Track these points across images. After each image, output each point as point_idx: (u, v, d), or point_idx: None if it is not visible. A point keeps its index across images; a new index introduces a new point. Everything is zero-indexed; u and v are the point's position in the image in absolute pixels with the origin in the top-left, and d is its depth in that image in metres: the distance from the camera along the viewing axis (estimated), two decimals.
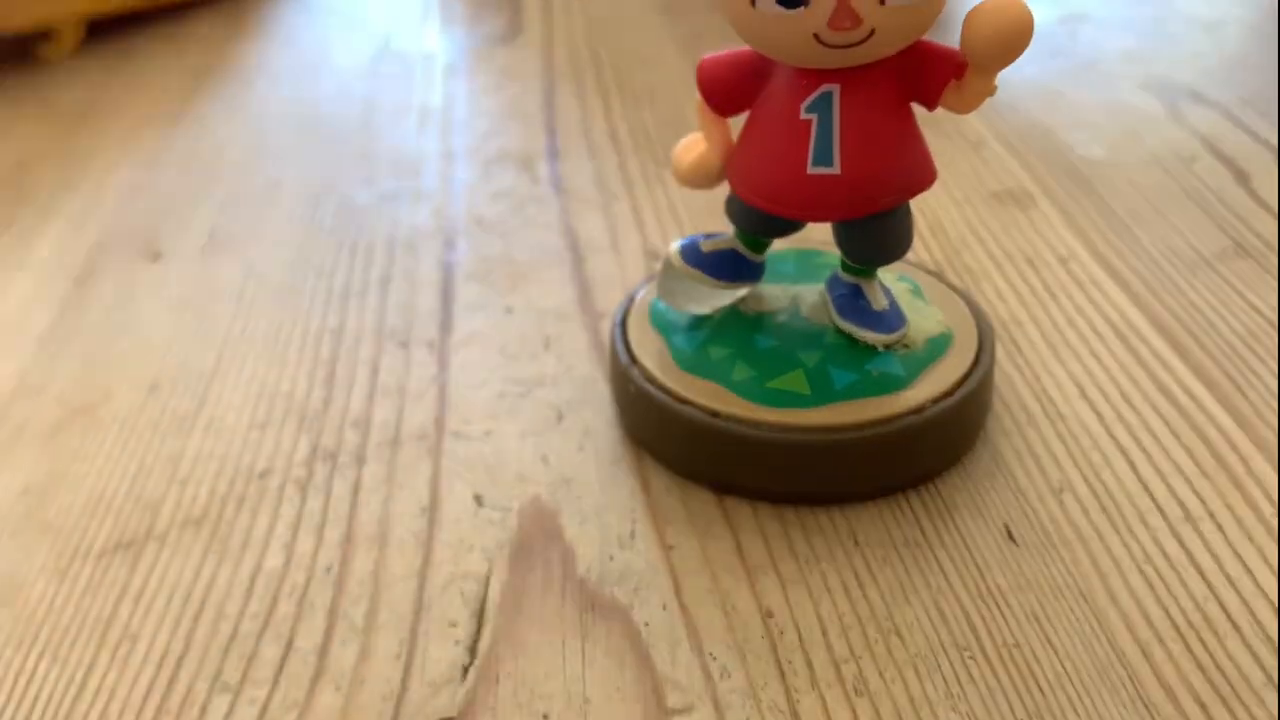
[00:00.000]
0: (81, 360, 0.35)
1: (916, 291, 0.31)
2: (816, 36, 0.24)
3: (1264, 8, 0.56)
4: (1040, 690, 0.23)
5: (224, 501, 0.29)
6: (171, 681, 0.24)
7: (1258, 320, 0.33)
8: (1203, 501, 0.27)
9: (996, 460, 0.29)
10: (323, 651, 0.25)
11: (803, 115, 0.26)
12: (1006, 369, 0.32)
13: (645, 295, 0.32)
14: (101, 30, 0.59)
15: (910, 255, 0.37)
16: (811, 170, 0.26)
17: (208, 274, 0.39)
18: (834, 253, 0.32)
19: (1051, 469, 0.28)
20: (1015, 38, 0.24)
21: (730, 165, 0.28)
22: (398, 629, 0.25)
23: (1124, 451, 0.29)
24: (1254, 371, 0.31)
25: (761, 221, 0.28)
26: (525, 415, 0.31)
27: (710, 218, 0.40)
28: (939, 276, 0.32)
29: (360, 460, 0.30)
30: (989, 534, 0.27)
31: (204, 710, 0.24)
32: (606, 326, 0.35)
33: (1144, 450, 0.29)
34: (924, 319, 0.29)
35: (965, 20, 0.25)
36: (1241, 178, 0.41)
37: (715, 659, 0.24)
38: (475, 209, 0.42)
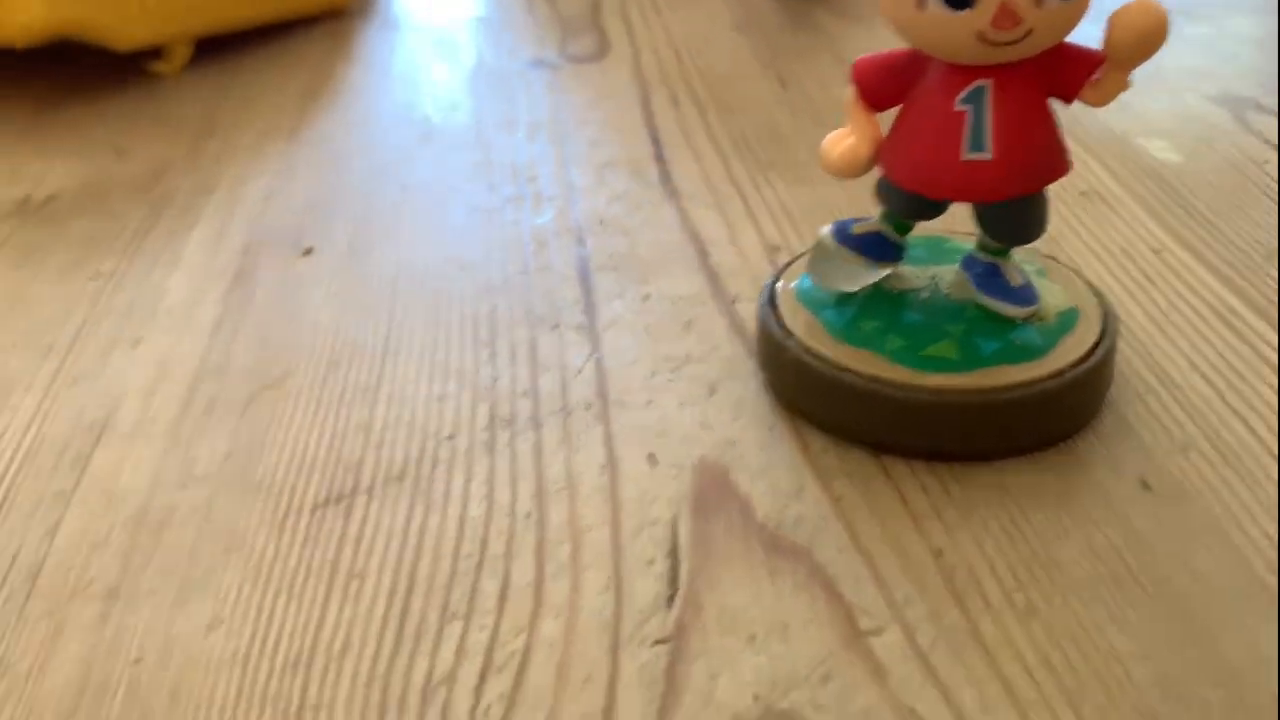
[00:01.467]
0: (257, 343, 0.37)
1: (1040, 273, 0.34)
2: (980, 35, 0.27)
3: None
4: (1193, 616, 0.26)
5: (419, 461, 0.32)
6: (404, 613, 0.27)
7: None
8: None
9: (1122, 423, 0.32)
10: (538, 585, 0.27)
11: (957, 107, 0.29)
12: (1122, 347, 0.35)
13: (788, 276, 0.35)
14: (209, 48, 0.62)
15: None
16: (966, 156, 0.29)
17: (360, 267, 0.42)
18: (958, 240, 0.35)
19: (1175, 430, 0.31)
20: (1155, 36, 0.27)
21: (885, 154, 0.31)
22: (602, 566, 0.28)
23: (1240, 416, 0.32)
24: None
25: (912, 204, 0.31)
26: (680, 388, 0.34)
27: (819, 213, 0.43)
28: (1056, 259, 0.35)
29: (537, 426, 0.33)
30: (1126, 485, 0.29)
31: (439, 636, 0.26)
32: (742, 310, 0.37)
33: (1259, 415, 0.32)
34: (1052, 296, 0.32)
35: (1110, 20, 0.28)
36: None
37: (897, 591, 0.27)
38: (596, 210, 0.45)
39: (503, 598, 0.27)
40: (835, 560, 0.28)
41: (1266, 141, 0.47)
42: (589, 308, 0.38)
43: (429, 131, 0.53)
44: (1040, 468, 0.30)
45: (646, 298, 0.39)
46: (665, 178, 0.47)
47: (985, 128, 0.29)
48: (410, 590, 0.28)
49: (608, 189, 0.46)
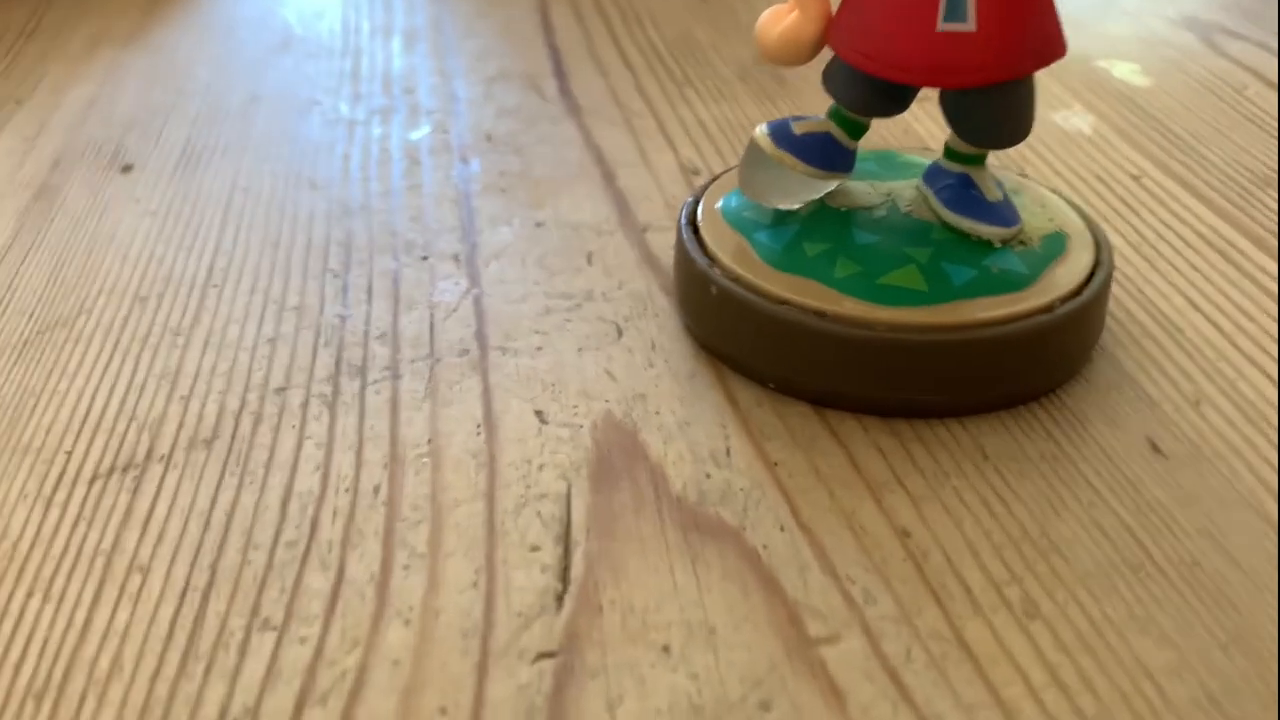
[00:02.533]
0: (49, 273, 0.30)
1: (1014, 191, 0.28)
2: None
3: None
4: (1236, 609, 0.20)
5: (236, 420, 0.25)
6: (198, 619, 0.20)
7: None
8: None
9: (1119, 372, 0.26)
10: (382, 581, 0.21)
11: None
12: None
13: (711, 194, 0.28)
14: None
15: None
16: (943, 26, 0.23)
17: (188, 186, 0.34)
18: (909, 153, 0.29)
19: (1182, 380, 0.25)
20: None
21: (836, 29, 0.24)
22: (470, 555, 0.21)
23: (1255, 363, 0.26)
24: None
25: (870, 95, 0.25)
26: (579, 330, 0.27)
27: (744, 134, 0.36)
28: (1029, 177, 0.29)
29: (394, 375, 0.26)
30: (1132, 446, 0.24)
31: (243, 651, 0.19)
32: (655, 240, 0.31)
33: (1276, 360, 0.26)
34: (1033, 217, 0.26)
35: None
36: None
37: (855, 583, 0.20)
38: (483, 125, 0.38)
39: (334, 598, 0.20)
40: (774, 542, 0.21)
41: (1243, 66, 0.42)
42: (469, 235, 0.31)
43: (288, 39, 0.45)
44: (1024, 425, 0.24)
45: (540, 224, 0.32)
46: (565, 93, 0.40)
47: None
48: (210, 589, 0.21)
49: (496, 103, 0.39)
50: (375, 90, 0.40)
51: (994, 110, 0.24)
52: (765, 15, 0.26)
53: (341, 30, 0.46)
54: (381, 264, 0.30)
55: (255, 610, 0.20)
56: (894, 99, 0.25)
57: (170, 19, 0.47)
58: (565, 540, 0.21)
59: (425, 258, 0.30)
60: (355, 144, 0.36)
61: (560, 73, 0.42)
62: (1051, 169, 0.35)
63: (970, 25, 0.23)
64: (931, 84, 0.24)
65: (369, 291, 0.29)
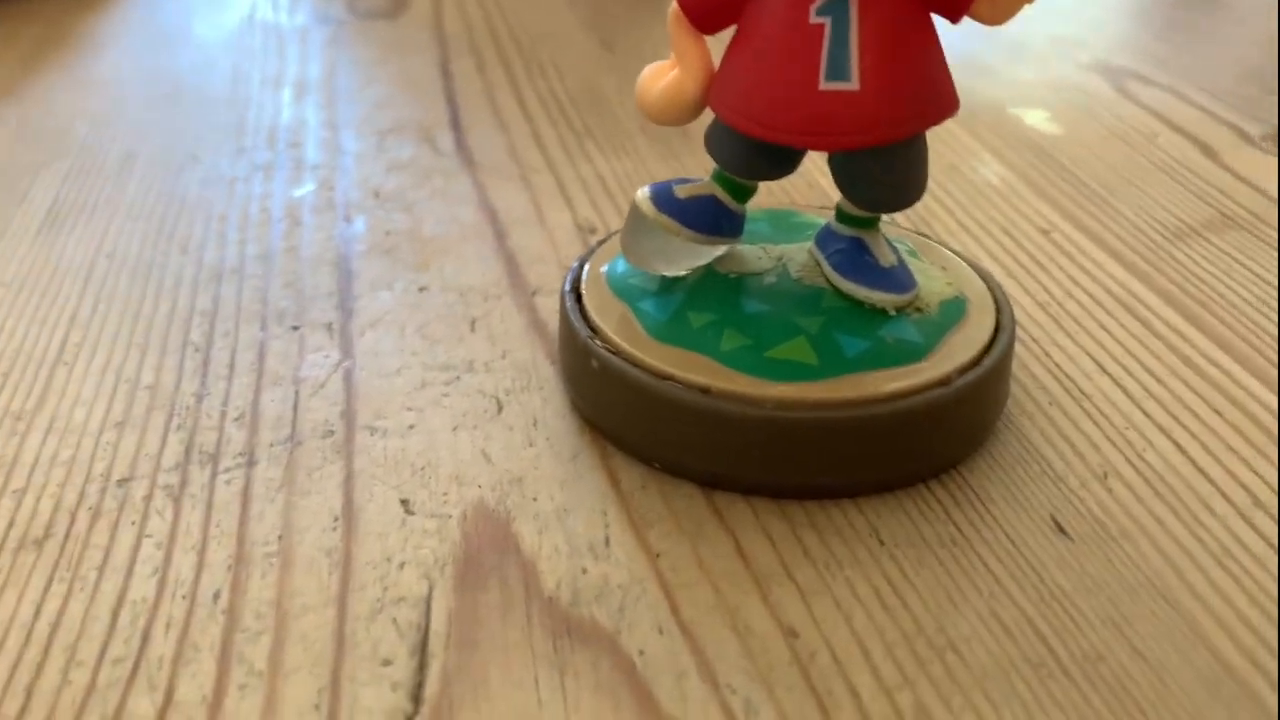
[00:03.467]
0: None
1: (913, 253, 0.26)
2: None
3: None
4: (1143, 713, 0.18)
5: (73, 516, 0.22)
6: None
7: (1268, 290, 0.30)
8: (1267, 484, 0.23)
9: (1024, 444, 0.24)
10: (214, 705, 0.19)
11: (813, 19, 0.21)
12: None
13: (598, 260, 0.26)
14: None
15: (886, 215, 0.32)
16: (825, 86, 0.21)
17: (49, 251, 0.32)
18: (810, 213, 0.28)
19: (1089, 452, 0.24)
20: None
21: (717, 89, 0.23)
22: (314, 672, 0.19)
23: (1165, 431, 0.25)
24: None
25: (753, 157, 0.23)
26: (456, 406, 0.26)
27: None
28: (929, 238, 0.28)
29: (250, 462, 0.24)
30: (1035, 527, 0.22)
31: None
32: (543, 304, 0.29)
33: (1186, 429, 0.25)
34: (931, 280, 0.25)
35: None
36: (1209, 152, 0.38)
37: (735, 693, 0.19)
38: (371, 181, 0.36)
39: None
40: (651, 646, 0.20)
41: (1153, 113, 0.41)
42: (345, 301, 0.29)
43: (176, 91, 0.43)
44: (922, 506, 0.23)
45: (423, 289, 0.30)
46: (461, 146, 0.38)
47: (849, 47, 0.21)
48: (21, 716, 0.18)
49: (388, 157, 0.37)
50: (260, 144, 0.38)
51: (883, 173, 0.23)
52: (646, 71, 0.24)
53: (231, 81, 0.44)
54: (247, 335, 0.28)
55: None
56: (779, 161, 0.24)
57: (49, 71, 0.45)
58: (421, 652, 0.19)
59: (296, 328, 0.28)
60: (234, 203, 0.34)
61: (457, 125, 0.40)
62: (958, 222, 0.34)
63: (853, 84, 0.21)
64: (814, 147, 0.22)
65: (231, 367, 0.27)
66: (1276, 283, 0.30)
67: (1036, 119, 0.41)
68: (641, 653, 0.19)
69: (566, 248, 0.32)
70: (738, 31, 0.23)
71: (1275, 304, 0.29)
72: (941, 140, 0.39)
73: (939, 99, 0.22)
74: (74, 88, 0.43)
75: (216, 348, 0.27)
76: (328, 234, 0.33)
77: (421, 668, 0.19)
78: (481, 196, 0.35)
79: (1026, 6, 0.22)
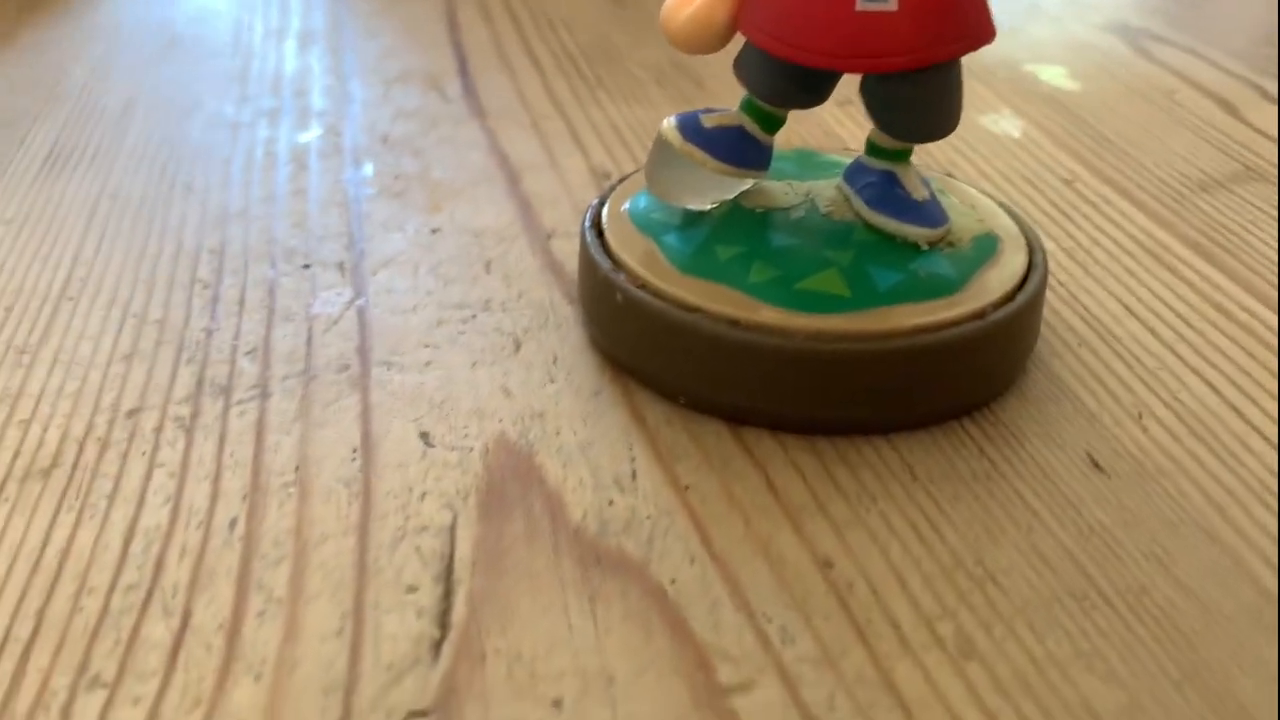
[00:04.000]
0: None
1: (941, 191, 0.26)
2: None
3: None
4: (1189, 642, 0.18)
5: (81, 446, 0.22)
6: (17, 677, 0.17)
7: None
8: None
9: (1056, 383, 0.24)
10: (233, 630, 0.18)
11: None
12: None
13: (618, 196, 0.26)
14: None
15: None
16: (861, 6, 0.21)
17: (51, 191, 0.31)
18: (830, 153, 0.27)
19: (1121, 392, 0.24)
20: None
21: (747, 11, 0.22)
22: (336, 598, 0.19)
23: (1197, 372, 0.24)
24: None
25: (786, 83, 0.23)
26: (473, 343, 0.25)
27: None
28: (956, 178, 0.27)
29: (264, 395, 0.23)
30: (1071, 464, 0.22)
31: (66, 714, 0.17)
32: (560, 248, 0.29)
33: (1220, 371, 0.24)
34: (962, 217, 0.24)
35: None
36: (1229, 108, 0.38)
37: (771, 621, 0.18)
38: (379, 127, 0.35)
39: (175, 650, 0.18)
40: (682, 576, 0.19)
41: (1171, 71, 0.41)
42: (356, 242, 0.29)
43: (174, 41, 0.42)
44: (955, 442, 0.22)
45: (436, 230, 0.29)
46: (470, 94, 0.38)
47: None
48: (33, 641, 0.18)
49: (395, 104, 0.37)
50: (264, 92, 0.38)
51: (918, 99, 0.22)
52: None
53: (233, 32, 0.43)
54: (257, 273, 0.27)
55: (84, 666, 0.17)
56: (811, 88, 0.23)
57: (47, 19, 0.44)
58: (447, 579, 0.19)
59: (306, 266, 0.28)
60: (238, 147, 0.34)
61: (465, 73, 0.39)
62: (980, 172, 0.33)
63: (891, 4, 0.21)
64: (850, 69, 0.22)
65: (241, 303, 0.26)
66: None
67: (1053, 75, 0.40)
68: (673, 581, 0.19)
69: (581, 191, 0.31)
70: None
71: None
72: (965, 96, 0.38)
73: (977, 24, 0.22)
74: (72, 36, 0.42)
75: (226, 285, 0.27)
76: (335, 178, 0.32)
77: (448, 594, 0.19)
78: (492, 142, 0.34)
79: None
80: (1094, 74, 0.40)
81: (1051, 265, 0.28)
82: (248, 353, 0.24)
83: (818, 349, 0.21)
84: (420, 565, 0.19)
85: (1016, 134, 0.35)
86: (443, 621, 0.18)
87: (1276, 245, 0.29)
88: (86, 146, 0.34)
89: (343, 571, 0.19)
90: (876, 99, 0.22)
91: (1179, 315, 0.26)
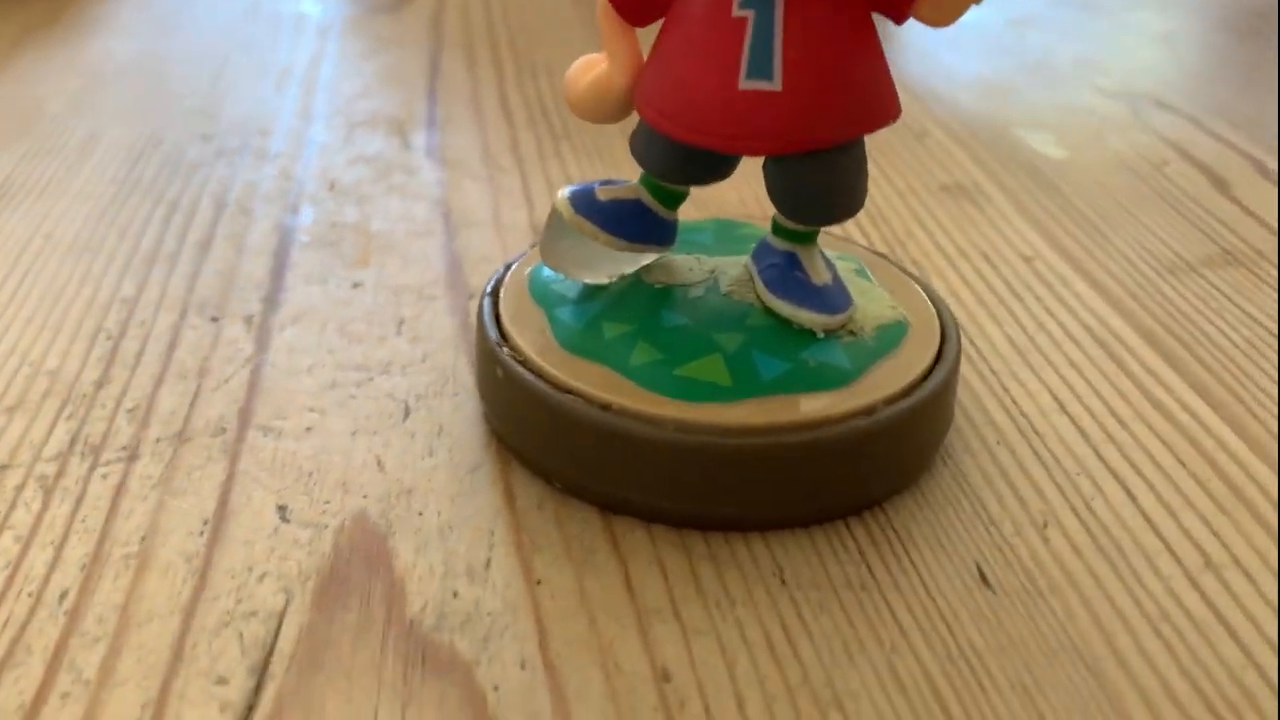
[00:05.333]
0: None
1: (861, 271, 0.25)
2: None
3: (1215, 21, 0.52)
4: None
5: None
6: None
7: (1259, 331, 0.28)
8: (1224, 545, 0.21)
9: (961, 484, 0.23)
10: (31, 713, 0.17)
11: (736, 12, 0.20)
12: (968, 376, 0.26)
13: (527, 262, 0.25)
14: None
15: (848, 233, 0.31)
16: (745, 85, 0.20)
17: None
18: (762, 225, 0.26)
19: (1031, 497, 0.22)
20: None
21: (641, 86, 0.21)
22: (142, 685, 0.18)
23: (1118, 478, 0.23)
24: (1263, 389, 0.26)
25: (677, 160, 0.22)
26: (360, 408, 0.24)
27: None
28: (887, 258, 0.26)
29: (131, 457, 0.23)
30: (956, 576, 0.20)
31: None
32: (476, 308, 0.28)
33: (1143, 477, 0.23)
34: (873, 302, 0.23)
35: None
36: (1220, 184, 0.36)
37: None
38: (330, 172, 0.35)
39: None
40: (507, 682, 0.18)
41: (1164, 139, 0.39)
42: (271, 295, 0.28)
43: (158, 75, 0.42)
44: (836, 545, 0.21)
45: (358, 285, 0.29)
46: (432, 144, 0.37)
47: (773, 43, 0.19)
48: None
49: (354, 149, 0.36)
50: (229, 130, 0.37)
51: (812, 182, 0.21)
52: (576, 64, 0.23)
53: (217, 68, 0.43)
54: (164, 324, 0.27)
55: None
56: (706, 165, 0.22)
57: (39, 52, 0.44)
58: (261, 672, 0.18)
59: (215, 319, 0.27)
60: (187, 189, 0.33)
61: (433, 122, 0.39)
62: (936, 244, 0.32)
63: (775, 84, 0.20)
64: (735, 151, 0.21)
65: (139, 356, 0.26)
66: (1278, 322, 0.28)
67: (1040, 141, 0.39)
68: (497, 688, 0.18)
69: (515, 249, 0.30)
70: (664, 24, 0.21)
71: (1265, 347, 0.27)
72: (935, 159, 0.37)
73: (875, 104, 0.20)
74: (60, 69, 0.43)
75: (129, 336, 0.26)
76: (274, 223, 0.32)
77: (257, 689, 0.18)
78: (441, 194, 0.34)
79: (973, 7, 0.20)
80: (1084, 142, 0.39)
81: (989, 351, 0.27)
82: (129, 410, 0.24)
83: (688, 441, 0.20)
84: (238, 654, 0.18)
85: (986, 206, 0.34)
86: (246, 719, 0.17)
87: (1237, 338, 0.27)
88: (37, 182, 0.34)
89: (158, 655, 0.18)
90: (772, 180, 0.21)
91: (1113, 413, 0.25)
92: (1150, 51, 0.50)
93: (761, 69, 0.20)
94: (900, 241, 0.31)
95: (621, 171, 0.35)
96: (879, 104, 0.21)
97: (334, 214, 0.32)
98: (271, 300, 0.28)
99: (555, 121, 0.39)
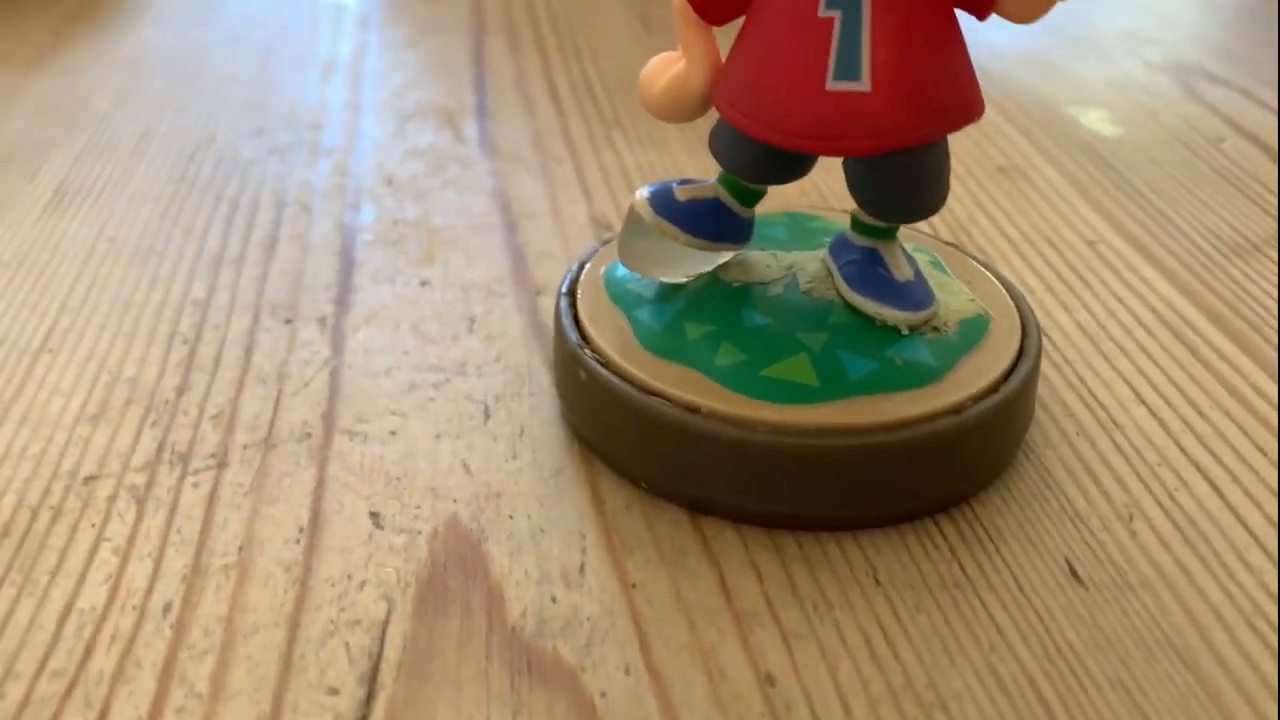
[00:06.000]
0: None
1: (937, 264, 0.25)
2: None
3: None
4: None
5: (34, 514, 0.22)
6: None
7: None
8: None
9: (1045, 478, 0.23)
10: None
11: (822, 12, 0.20)
12: (1043, 367, 0.26)
13: (600, 260, 0.25)
14: None
15: (921, 225, 0.31)
16: (832, 86, 0.20)
17: (52, 231, 0.31)
18: (834, 217, 0.26)
19: (1115, 490, 0.22)
20: None
21: (721, 85, 0.21)
22: (255, 697, 0.18)
23: (1201, 469, 0.23)
24: None
25: (758, 160, 0.22)
26: (442, 411, 0.24)
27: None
28: (959, 248, 0.26)
29: (220, 465, 0.23)
30: (1048, 572, 0.20)
31: None
32: (545, 304, 0.28)
33: (1225, 468, 0.23)
34: (953, 296, 0.23)
35: None
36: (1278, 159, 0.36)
37: None
38: (386, 167, 0.35)
39: None
40: (615, 688, 0.18)
41: (1219, 114, 0.39)
42: (342, 295, 0.28)
43: (200, 67, 0.42)
44: (927, 543, 0.21)
45: (425, 283, 0.29)
46: (484, 133, 0.37)
47: (861, 44, 0.19)
48: None
49: (407, 143, 0.36)
50: (279, 126, 0.37)
51: (898, 181, 0.21)
52: (652, 63, 0.23)
53: (260, 60, 0.43)
54: (238, 327, 0.27)
55: None
56: (786, 165, 0.22)
57: (78, 45, 0.44)
58: (371, 682, 0.18)
59: (289, 321, 0.27)
60: (246, 187, 0.33)
61: (483, 110, 0.39)
62: (999, 230, 0.32)
63: (864, 84, 0.20)
64: (820, 152, 0.21)
65: (217, 361, 0.26)
66: None
67: (1094, 119, 0.38)
68: (603, 695, 0.18)
69: (578, 243, 0.31)
70: (745, 23, 0.21)
71: None
72: (990, 140, 0.36)
73: (961, 103, 0.20)
74: (101, 63, 0.43)
75: (205, 340, 0.27)
76: (335, 221, 0.32)
77: (369, 699, 0.18)
78: (497, 186, 0.34)
79: (1059, 3, 0.20)
80: (1138, 118, 0.38)
81: (1060, 340, 0.27)
82: (213, 416, 0.24)
83: (779, 443, 0.20)
84: (346, 664, 0.19)
85: (1045, 187, 0.34)
86: None
87: None
88: (95, 183, 0.34)
89: (267, 667, 0.19)
90: (854, 179, 0.21)
91: (1190, 401, 0.25)
92: (1192, 19, 0.49)
93: (850, 70, 0.19)
94: (964, 228, 0.31)
95: (675, 159, 0.35)
96: (965, 101, 0.20)
97: (394, 211, 0.32)
98: (342, 301, 0.28)
99: (605, 107, 0.39)
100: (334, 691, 0.18)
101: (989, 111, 0.39)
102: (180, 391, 0.25)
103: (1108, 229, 0.32)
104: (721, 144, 0.22)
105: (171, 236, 0.31)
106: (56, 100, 0.39)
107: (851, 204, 0.22)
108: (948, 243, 0.26)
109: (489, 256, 0.30)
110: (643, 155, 0.35)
